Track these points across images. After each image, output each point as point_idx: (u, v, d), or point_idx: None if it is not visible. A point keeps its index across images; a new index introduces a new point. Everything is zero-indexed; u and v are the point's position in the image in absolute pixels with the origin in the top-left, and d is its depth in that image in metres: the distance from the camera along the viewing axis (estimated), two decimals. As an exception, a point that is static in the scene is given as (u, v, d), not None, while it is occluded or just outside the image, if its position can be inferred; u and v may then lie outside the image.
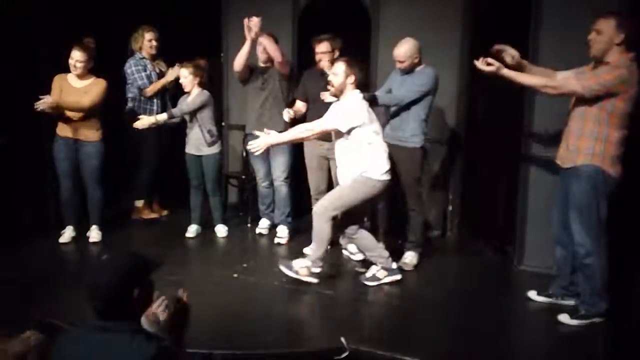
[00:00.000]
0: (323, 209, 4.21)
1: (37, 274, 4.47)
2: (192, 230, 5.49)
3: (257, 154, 4.31)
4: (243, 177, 6.08)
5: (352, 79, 4.20)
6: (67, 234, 5.18)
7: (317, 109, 4.75)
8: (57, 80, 4.96)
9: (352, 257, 4.95)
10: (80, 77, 4.96)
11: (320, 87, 4.74)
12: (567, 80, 3.74)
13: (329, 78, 4.28)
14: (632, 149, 3.77)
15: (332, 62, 4.67)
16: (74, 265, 4.93)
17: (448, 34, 5.40)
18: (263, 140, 4.21)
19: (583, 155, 3.72)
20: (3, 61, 5.02)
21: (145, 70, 5.62)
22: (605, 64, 3.64)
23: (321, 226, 4.22)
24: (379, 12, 5.65)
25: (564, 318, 3.86)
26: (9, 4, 5.04)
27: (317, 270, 4.32)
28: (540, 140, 4.57)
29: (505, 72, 3.76)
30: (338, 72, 4.21)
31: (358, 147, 4.18)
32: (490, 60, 3.76)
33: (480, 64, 3.79)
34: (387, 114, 4.76)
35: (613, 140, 3.67)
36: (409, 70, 4.55)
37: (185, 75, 5.15)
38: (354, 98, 4.21)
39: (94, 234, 5.23)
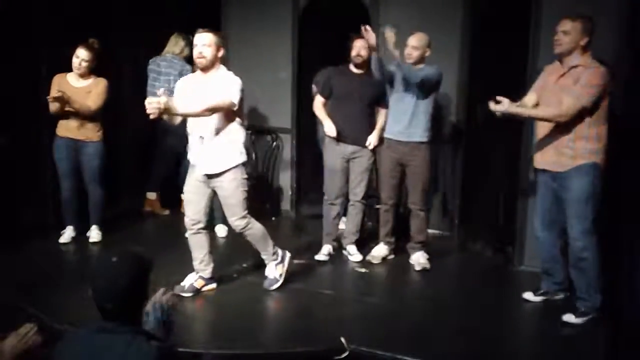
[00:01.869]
0: (241, 218, 4.07)
1: (37, 274, 4.47)
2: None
3: None
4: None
5: None
6: (67, 234, 5.18)
7: (343, 105, 4.76)
8: (56, 80, 4.95)
9: (351, 257, 4.94)
10: (82, 76, 4.96)
11: (350, 84, 4.74)
12: (567, 102, 3.76)
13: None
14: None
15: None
16: (74, 265, 4.93)
17: (448, 34, 5.40)
18: None
19: (580, 156, 3.81)
20: (3, 61, 5.02)
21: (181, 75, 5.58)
22: (575, 67, 3.78)
23: (252, 230, 4.14)
24: (379, 12, 5.65)
25: (568, 318, 3.89)
26: (9, 4, 5.04)
27: (287, 261, 4.30)
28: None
29: (514, 109, 3.83)
30: None
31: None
32: (499, 98, 3.80)
33: (492, 106, 3.81)
34: (399, 111, 4.66)
35: (603, 135, 3.81)
36: (415, 63, 4.57)
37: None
38: None
39: (94, 234, 5.23)
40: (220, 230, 5.52)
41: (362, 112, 4.78)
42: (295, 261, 4.81)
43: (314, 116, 5.14)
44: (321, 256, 4.88)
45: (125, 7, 6.04)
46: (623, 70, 4.09)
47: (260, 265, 4.74)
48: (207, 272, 4.22)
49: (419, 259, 4.78)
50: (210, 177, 4.01)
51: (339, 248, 5.04)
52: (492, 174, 5.20)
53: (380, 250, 4.93)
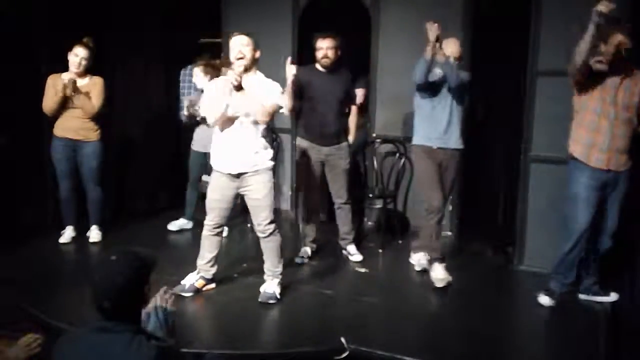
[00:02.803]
0: (269, 223, 4.04)
1: (37, 274, 4.46)
2: (178, 224, 5.62)
3: None
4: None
5: None
6: (67, 234, 5.18)
7: (318, 107, 4.69)
8: (52, 80, 4.92)
9: (351, 257, 4.94)
10: (79, 75, 4.95)
11: (322, 86, 4.66)
12: None
13: None
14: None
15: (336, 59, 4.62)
16: (74, 265, 4.92)
17: (448, 34, 5.38)
18: None
19: (627, 156, 3.92)
20: (3, 61, 5.02)
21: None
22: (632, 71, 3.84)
23: (275, 238, 4.10)
24: (379, 12, 5.65)
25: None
26: (9, 4, 5.04)
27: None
28: (540, 141, 4.57)
29: None
30: None
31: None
32: None
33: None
34: (435, 119, 4.47)
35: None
36: None
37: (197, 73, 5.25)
38: None
39: (94, 234, 5.23)
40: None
41: (336, 112, 4.72)
42: (295, 261, 4.83)
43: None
44: (299, 259, 4.84)
45: (125, 6, 6.04)
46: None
47: (260, 266, 4.75)
48: (210, 274, 4.22)
49: (420, 259, 4.74)
50: (239, 180, 3.96)
51: (338, 249, 5.04)
52: (492, 174, 5.21)
53: (440, 272, 4.43)
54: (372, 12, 5.69)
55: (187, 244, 5.36)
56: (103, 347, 2.01)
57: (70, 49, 4.90)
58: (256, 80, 3.99)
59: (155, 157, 6.46)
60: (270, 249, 4.09)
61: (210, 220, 4.09)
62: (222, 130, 3.95)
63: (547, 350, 3.71)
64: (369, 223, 5.60)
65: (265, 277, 4.15)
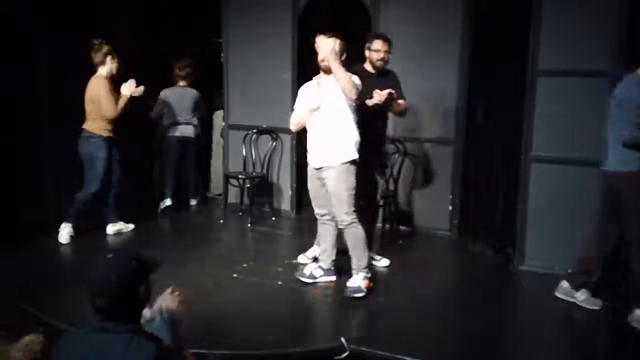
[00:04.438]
0: (346, 214, 4.09)
1: (37, 274, 4.47)
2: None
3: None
4: (243, 177, 6.09)
5: None
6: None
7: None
8: (108, 86, 5.11)
9: (376, 263, 4.82)
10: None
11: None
12: None
13: None
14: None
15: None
16: (74, 265, 4.92)
17: (448, 34, 5.40)
18: None
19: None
20: (3, 61, 5.02)
21: None
22: None
23: (355, 230, 4.14)
24: (379, 12, 5.65)
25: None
26: (9, 4, 5.05)
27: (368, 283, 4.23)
28: (540, 141, 4.57)
29: None
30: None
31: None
32: None
33: None
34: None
35: None
36: None
37: None
38: None
39: (118, 227, 5.46)
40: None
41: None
42: (295, 261, 4.83)
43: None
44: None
45: (125, 7, 6.04)
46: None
47: (261, 266, 4.75)
48: (327, 264, 4.33)
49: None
50: (319, 171, 4.18)
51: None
52: (492, 174, 5.20)
53: None
54: (372, 12, 5.69)
55: (187, 244, 5.35)
56: (102, 347, 2.00)
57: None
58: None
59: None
60: (352, 241, 4.16)
61: (315, 211, 4.33)
62: (310, 127, 4.21)
63: (547, 350, 3.71)
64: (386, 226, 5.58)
65: (353, 271, 4.21)
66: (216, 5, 6.26)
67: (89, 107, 5.10)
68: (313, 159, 4.24)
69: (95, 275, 2.07)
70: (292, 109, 6.13)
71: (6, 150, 5.08)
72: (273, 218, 6.09)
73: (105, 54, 5.09)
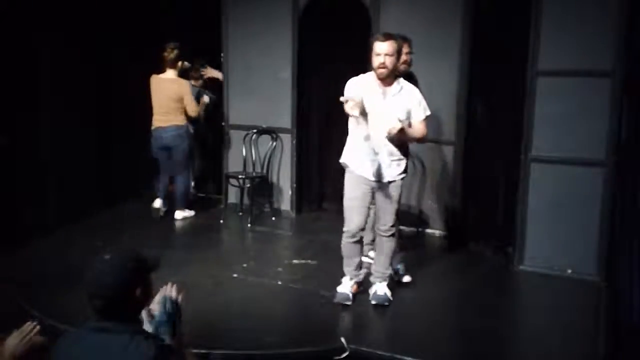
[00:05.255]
0: (391, 227, 4.09)
1: (37, 274, 4.47)
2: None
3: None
4: (243, 177, 6.09)
5: None
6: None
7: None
8: (190, 87, 5.74)
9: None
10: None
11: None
12: None
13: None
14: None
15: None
16: (74, 265, 4.91)
17: (448, 34, 5.40)
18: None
19: None
20: (3, 61, 5.02)
21: None
22: None
23: (392, 240, 4.15)
24: (379, 12, 5.65)
25: None
26: (9, 4, 5.04)
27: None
28: (540, 141, 4.57)
29: None
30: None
31: None
32: None
33: None
34: None
35: None
36: None
37: None
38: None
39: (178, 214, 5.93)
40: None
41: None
42: (295, 261, 4.83)
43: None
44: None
45: (125, 6, 6.04)
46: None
47: (260, 266, 4.75)
48: (361, 277, 4.26)
49: None
50: (380, 183, 3.94)
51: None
52: (492, 174, 5.20)
53: None
54: (372, 12, 5.69)
55: (187, 244, 5.35)
56: (102, 347, 2.00)
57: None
58: (401, 89, 3.89)
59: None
60: (385, 251, 4.13)
61: (355, 226, 4.05)
62: (365, 141, 3.87)
63: (547, 350, 3.71)
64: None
65: (373, 278, 4.18)
66: (216, 4, 6.25)
67: (173, 104, 5.60)
68: (376, 172, 3.89)
69: (93, 277, 2.06)
70: (292, 109, 6.18)
71: (6, 150, 5.08)
72: (273, 218, 6.09)
73: (178, 58, 5.60)
